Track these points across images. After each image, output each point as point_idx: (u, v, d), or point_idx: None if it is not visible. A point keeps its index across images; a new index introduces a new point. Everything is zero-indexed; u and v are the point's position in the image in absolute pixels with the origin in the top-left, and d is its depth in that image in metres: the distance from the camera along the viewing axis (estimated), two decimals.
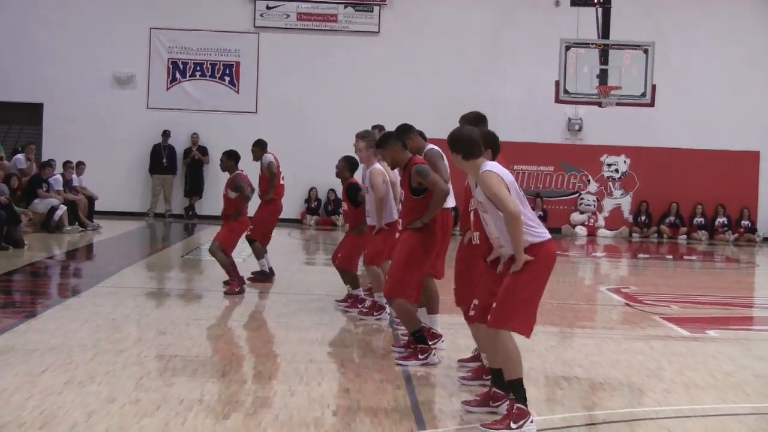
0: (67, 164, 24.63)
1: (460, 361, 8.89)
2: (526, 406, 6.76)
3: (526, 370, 7.71)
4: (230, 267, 13.42)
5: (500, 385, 7.12)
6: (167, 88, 28.56)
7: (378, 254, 11.01)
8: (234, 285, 13.29)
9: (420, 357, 8.97)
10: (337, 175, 12.31)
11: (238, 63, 28.61)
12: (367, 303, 11.80)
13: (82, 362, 8.43)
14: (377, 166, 11.07)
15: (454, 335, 9.88)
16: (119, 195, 27.79)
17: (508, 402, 6.88)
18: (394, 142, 9.28)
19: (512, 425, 6.66)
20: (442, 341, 9.59)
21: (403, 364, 8.90)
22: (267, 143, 15.05)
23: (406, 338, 9.46)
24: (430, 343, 9.19)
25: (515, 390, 6.81)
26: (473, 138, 7.01)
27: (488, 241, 7.26)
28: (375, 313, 11.53)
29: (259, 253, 14.62)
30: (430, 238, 9.11)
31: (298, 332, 10.44)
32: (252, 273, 14.54)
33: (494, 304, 6.87)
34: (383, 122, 13.07)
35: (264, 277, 14.55)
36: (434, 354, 9.06)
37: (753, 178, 28.94)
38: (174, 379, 7.96)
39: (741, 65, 28.61)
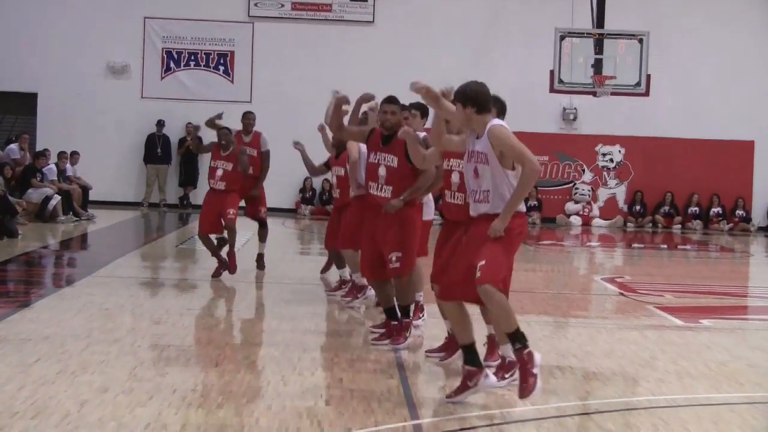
0: (61, 154, 24.58)
1: (427, 352, 8.90)
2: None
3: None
4: (218, 250, 13.66)
5: (473, 361, 7.16)
6: (161, 78, 28.53)
7: (352, 236, 10.92)
8: (231, 264, 13.55)
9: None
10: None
11: (232, 52, 28.57)
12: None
13: (75, 352, 8.42)
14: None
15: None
16: (113, 185, 27.77)
17: (517, 353, 6.93)
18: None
19: (533, 370, 6.82)
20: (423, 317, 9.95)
21: (398, 347, 9.05)
22: None
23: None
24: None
25: (518, 338, 6.92)
26: (487, 92, 7.17)
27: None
28: (359, 295, 11.60)
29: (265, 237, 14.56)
30: (418, 211, 9.29)
31: (291, 322, 10.43)
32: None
33: (482, 262, 6.88)
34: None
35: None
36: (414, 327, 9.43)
37: (747, 167, 28.95)
38: (167, 369, 7.94)
39: (735, 55, 28.60)
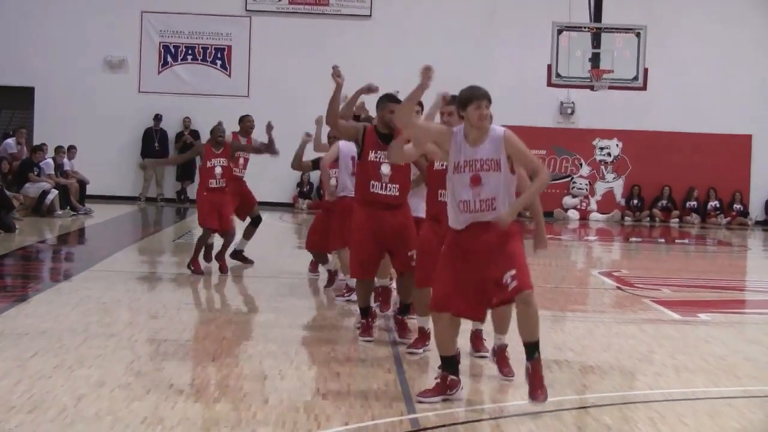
0: (58, 148, 24.55)
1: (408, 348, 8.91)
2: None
3: (517, 354, 7.72)
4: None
5: (455, 371, 7.18)
6: (159, 72, 28.48)
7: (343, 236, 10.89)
8: (222, 266, 13.75)
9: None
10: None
11: (230, 47, 28.53)
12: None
13: (72, 346, 8.41)
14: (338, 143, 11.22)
15: None
16: (111, 179, 27.71)
17: (531, 364, 6.95)
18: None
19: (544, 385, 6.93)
20: None
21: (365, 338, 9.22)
22: None
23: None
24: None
25: (538, 348, 6.97)
26: None
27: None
28: (346, 294, 11.59)
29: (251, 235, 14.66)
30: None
31: (288, 316, 10.43)
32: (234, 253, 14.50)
33: (512, 272, 6.83)
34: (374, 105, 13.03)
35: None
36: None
37: (745, 161, 28.94)
38: (164, 363, 7.95)
39: (733, 49, 28.56)
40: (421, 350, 8.70)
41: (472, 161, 6.98)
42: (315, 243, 12.38)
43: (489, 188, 6.94)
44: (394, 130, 8.84)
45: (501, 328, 8.01)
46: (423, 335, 8.77)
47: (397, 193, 9.09)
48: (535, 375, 6.93)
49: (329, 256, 12.48)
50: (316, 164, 12.56)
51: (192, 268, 13.43)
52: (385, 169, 9.05)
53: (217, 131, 13.66)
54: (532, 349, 6.98)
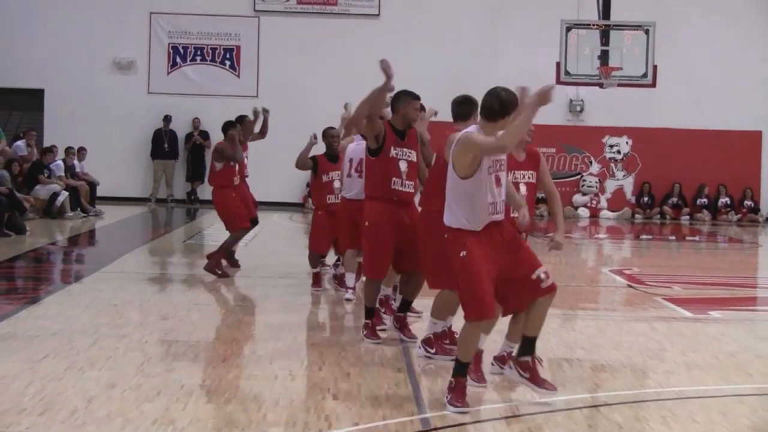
0: (68, 150, 24.62)
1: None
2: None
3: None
4: None
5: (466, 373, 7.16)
6: (168, 73, 28.51)
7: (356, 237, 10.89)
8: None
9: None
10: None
11: (238, 47, 28.56)
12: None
13: (83, 348, 8.42)
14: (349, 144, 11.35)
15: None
16: (121, 180, 27.77)
17: (531, 359, 7.19)
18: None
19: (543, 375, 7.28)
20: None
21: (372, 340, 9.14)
22: None
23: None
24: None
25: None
26: None
27: None
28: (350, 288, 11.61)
29: None
30: None
31: (299, 316, 10.44)
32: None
33: (543, 269, 7.13)
34: None
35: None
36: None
37: (755, 158, 28.87)
38: (175, 364, 7.95)
39: (743, 45, 28.48)
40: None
41: (494, 161, 6.99)
42: (323, 245, 12.38)
43: (503, 188, 7.04)
44: (411, 126, 9.18)
45: (517, 336, 7.61)
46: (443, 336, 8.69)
47: (412, 190, 9.23)
48: (535, 369, 7.16)
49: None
50: (315, 162, 12.45)
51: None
52: (403, 166, 9.14)
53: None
54: (533, 343, 7.20)
